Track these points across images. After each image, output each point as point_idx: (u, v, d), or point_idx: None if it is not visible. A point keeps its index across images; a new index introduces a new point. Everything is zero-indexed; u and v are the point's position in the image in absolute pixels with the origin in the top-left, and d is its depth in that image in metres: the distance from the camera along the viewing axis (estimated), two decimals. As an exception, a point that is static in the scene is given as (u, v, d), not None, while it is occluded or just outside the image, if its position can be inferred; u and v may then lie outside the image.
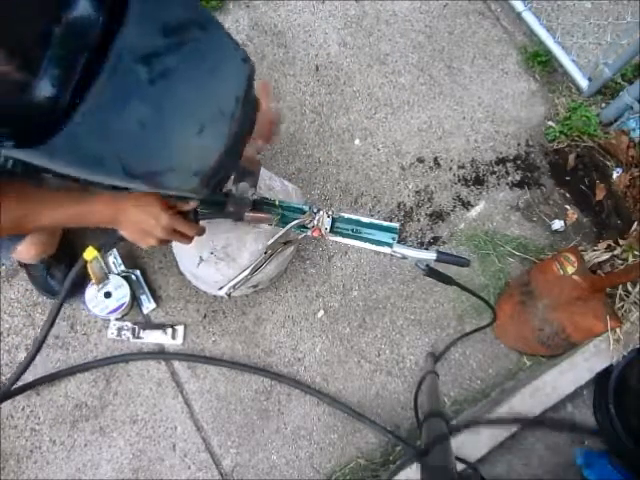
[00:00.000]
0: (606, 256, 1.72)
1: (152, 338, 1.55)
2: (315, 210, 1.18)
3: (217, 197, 1.20)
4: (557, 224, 1.83)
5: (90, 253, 1.03)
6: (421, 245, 1.77)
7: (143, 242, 1.02)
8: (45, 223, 0.96)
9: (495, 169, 1.90)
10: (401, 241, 1.73)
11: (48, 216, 0.94)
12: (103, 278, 1.19)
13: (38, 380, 1.47)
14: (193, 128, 0.66)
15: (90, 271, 1.11)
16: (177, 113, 0.63)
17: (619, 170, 1.87)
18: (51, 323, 1.09)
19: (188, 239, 1.07)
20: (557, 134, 1.92)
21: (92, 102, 0.53)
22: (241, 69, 0.71)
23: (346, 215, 1.22)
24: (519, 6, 2.07)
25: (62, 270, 1.52)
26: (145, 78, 0.56)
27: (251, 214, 1.15)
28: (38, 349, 1.15)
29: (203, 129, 0.67)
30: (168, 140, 0.64)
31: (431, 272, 1.23)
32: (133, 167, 0.62)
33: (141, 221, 0.98)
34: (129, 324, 1.56)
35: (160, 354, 1.55)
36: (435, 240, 1.78)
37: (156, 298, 1.60)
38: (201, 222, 1.12)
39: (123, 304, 1.52)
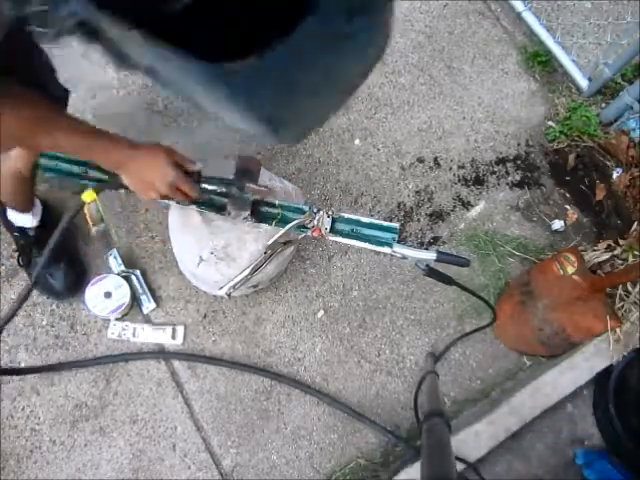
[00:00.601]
0: (606, 256, 1.71)
1: (152, 338, 1.55)
2: (315, 210, 1.18)
3: (217, 200, 1.20)
4: (557, 224, 1.83)
5: (89, 195, 1.05)
6: (421, 245, 1.77)
7: (145, 194, 1.03)
8: (51, 144, 0.92)
9: (495, 169, 1.90)
10: (401, 241, 1.73)
11: (57, 139, 0.90)
12: (99, 221, 1.20)
13: (33, 369, 1.47)
14: (333, 91, 0.64)
15: (87, 213, 1.13)
16: (338, 74, 0.59)
17: (619, 170, 1.87)
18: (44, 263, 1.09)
19: (188, 199, 1.09)
20: (557, 134, 1.92)
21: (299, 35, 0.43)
22: (382, 45, 0.65)
23: (346, 215, 1.22)
24: (519, 6, 2.07)
25: (61, 269, 1.52)
26: (344, 31, 0.49)
27: (252, 186, 1.16)
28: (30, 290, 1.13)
29: (342, 94, 0.67)
30: (315, 94, 0.59)
31: (431, 272, 1.23)
32: (273, 111, 0.55)
33: (147, 173, 0.99)
34: (129, 324, 1.56)
35: (160, 353, 1.55)
36: (435, 240, 1.78)
37: (156, 298, 1.60)
38: (203, 220, 1.13)
39: (123, 304, 1.52)
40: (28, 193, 1.44)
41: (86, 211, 1.12)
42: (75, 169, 1.15)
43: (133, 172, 1.00)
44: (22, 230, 1.49)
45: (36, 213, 1.49)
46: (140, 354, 1.54)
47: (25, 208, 1.46)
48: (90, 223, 1.18)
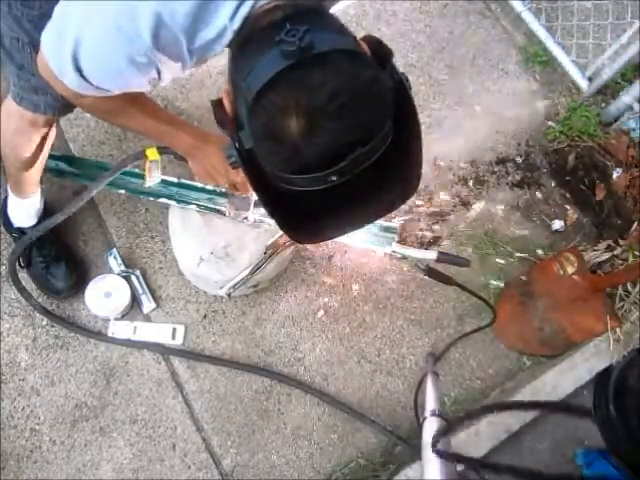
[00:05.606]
0: (606, 256, 1.72)
1: (152, 338, 1.55)
2: (315, 210, 1.18)
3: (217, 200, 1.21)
4: (557, 224, 1.83)
5: (152, 154, 1.16)
6: (421, 245, 1.77)
7: (203, 178, 1.15)
8: (126, 125, 1.09)
9: (495, 169, 1.90)
10: (401, 241, 1.73)
11: (132, 122, 1.05)
12: (154, 180, 1.26)
13: None
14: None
15: (147, 169, 1.19)
16: None
17: (619, 170, 1.87)
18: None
19: (238, 192, 1.20)
20: (557, 134, 1.92)
21: None
22: None
23: (346, 215, 1.22)
24: (519, 6, 2.07)
25: (62, 269, 1.53)
26: None
27: None
28: None
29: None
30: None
31: (431, 272, 1.23)
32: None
33: (213, 165, 1.10)
34: (129, 324, 1.56)
35: (163, 348, 1.55)
36: (435, 240, 1.78)
37: (156, 298, 1.60)
38: (203, 220, 1.13)
39: (123, 304, 1.52)
40: (37, 158, 1.31)
41: (146, 166, 1.21)
42: (74, 170, 1.16)
43: (200, 161, 1.11)
44: (21, 231, 1.49)
45: (36, 213, 1.49)
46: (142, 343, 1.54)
47: (28, 187, 1.40)
48: (147, 176, 1.22)
